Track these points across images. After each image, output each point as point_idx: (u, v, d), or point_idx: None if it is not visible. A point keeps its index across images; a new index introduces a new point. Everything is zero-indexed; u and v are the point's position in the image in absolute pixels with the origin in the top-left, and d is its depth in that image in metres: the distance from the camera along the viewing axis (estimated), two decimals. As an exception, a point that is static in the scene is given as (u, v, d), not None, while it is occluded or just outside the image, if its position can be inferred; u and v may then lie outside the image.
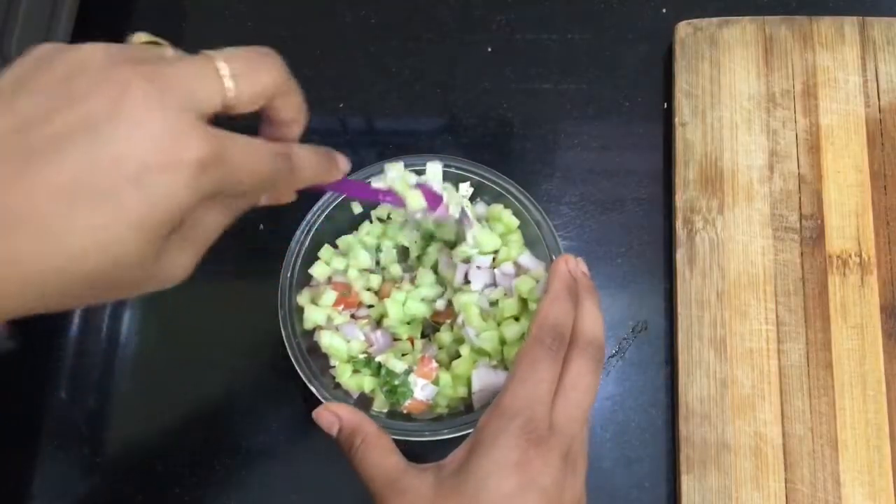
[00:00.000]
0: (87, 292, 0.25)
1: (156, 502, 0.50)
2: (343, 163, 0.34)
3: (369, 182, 0.42)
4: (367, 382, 0.46)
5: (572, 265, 0.40)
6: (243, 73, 0.27)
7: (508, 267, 0.47)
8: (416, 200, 0.41)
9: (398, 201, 0.41)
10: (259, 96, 0.28)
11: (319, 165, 0.33)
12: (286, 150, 0.30)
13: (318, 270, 0.49)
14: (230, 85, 0.26)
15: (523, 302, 0.46)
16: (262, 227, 0.55)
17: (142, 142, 0.24)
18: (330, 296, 0.47)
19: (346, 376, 0.46)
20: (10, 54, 0.50)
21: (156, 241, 0.25)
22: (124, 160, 0.23)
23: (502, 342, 0.45)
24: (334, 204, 0.48)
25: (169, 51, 0.28)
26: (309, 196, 0.47)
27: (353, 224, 0.51)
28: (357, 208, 0.50)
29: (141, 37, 0.29)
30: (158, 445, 0.51)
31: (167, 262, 0.27)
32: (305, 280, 0.49)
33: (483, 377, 0.43)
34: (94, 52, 0.25)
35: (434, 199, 0.42)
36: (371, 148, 0.58)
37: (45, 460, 0.51)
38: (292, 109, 0.30)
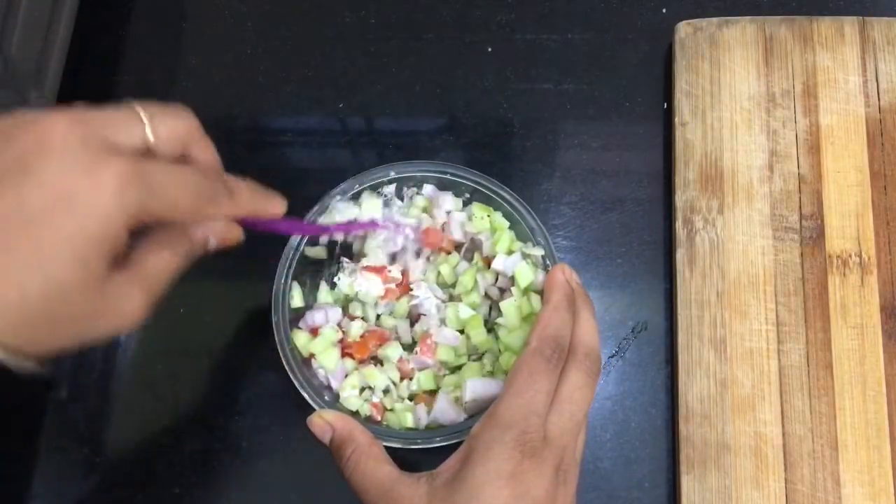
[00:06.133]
0: (47, 328, 0.26)
1: (156, 502, 0.50)
2: (281, 202, 0.36)
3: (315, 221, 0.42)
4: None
5: (568, 274, 0.40)
6: (159, 115, 0.30)
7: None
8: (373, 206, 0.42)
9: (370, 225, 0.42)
10: (175, 139, 0.30)
11: (256, 192, 0.34)
12: (218, 173, 0.32)
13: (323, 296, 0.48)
14: (146, 120, 0.29)
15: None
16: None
17: (66, 168, 0.26)
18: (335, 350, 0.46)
19: (345, 391, 0.46)
20: (10, 54, 0.50)
21: (94, 263, 0.27)
22: (50, 186, 0.26)
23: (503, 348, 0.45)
24: None
25: None
26: (306, 200, 0.47)
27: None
28: None
29: None
30: (158, 445, 0.51)
31: (114, 298, 0.28)
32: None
33: (476, 388, 0.43)
34: (26, 112, 0.28)
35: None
36: (371, 148, 0.58)
37: (45, 460, 0.51)
38: (210, 155, 0.32)
